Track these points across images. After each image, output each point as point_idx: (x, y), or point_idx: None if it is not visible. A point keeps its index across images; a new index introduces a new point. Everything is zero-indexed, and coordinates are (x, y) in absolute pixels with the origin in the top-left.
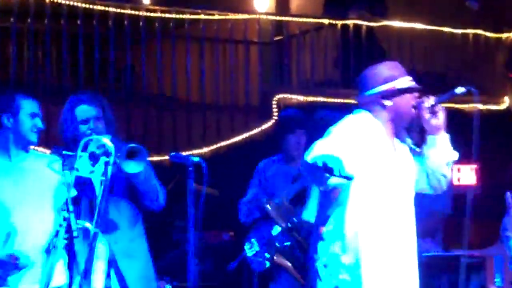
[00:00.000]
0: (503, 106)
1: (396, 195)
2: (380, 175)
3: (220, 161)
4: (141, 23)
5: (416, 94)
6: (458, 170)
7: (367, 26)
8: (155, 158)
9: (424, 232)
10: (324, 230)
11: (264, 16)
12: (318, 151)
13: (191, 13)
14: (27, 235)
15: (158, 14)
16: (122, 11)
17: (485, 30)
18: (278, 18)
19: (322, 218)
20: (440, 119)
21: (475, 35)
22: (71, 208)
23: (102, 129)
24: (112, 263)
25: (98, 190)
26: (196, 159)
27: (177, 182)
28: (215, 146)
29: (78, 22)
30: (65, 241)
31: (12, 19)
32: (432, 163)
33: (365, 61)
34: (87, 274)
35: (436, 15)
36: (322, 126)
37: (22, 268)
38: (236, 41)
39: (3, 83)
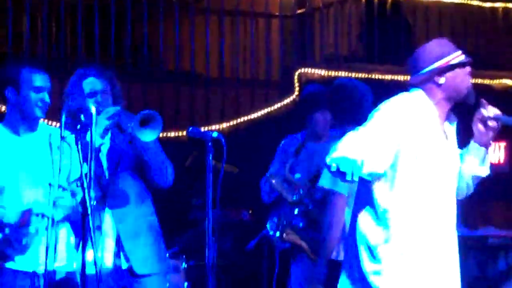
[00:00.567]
0: None
1: (442, 184)
2: (427, 162)
3: (239, 137)
4: None
5: (468, 69)
6: None
7: None
8: (172, 134)
9: None
10: (363, 217)
11: None
12: (340, 150)
13: None
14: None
15: None
16: None
17: None
18: None
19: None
20: (489, 135)
21: (504, 8)
22: (85, 183)
23: (109, 104)
24: (119, 241)
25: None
26: (215, 134)
27: (195, 158)
28: (234, 122)
29: None
30: (62, 215)
31: None
32: (465, 167)
33: (390, 36)
34: (81, 246)
35: None
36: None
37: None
38: (256, 14)
39: (17, 56)
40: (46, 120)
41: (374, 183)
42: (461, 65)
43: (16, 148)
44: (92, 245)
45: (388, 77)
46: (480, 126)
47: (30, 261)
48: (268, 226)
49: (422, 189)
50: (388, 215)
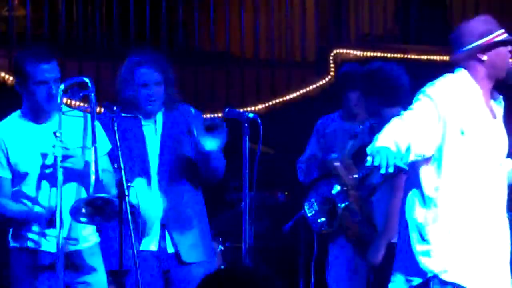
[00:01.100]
0: None
1: (490, 162)
2: (475, 140)
3: (275, 119)
4: None
5: (510, 48)
6: None
7: None
8: (208, 115)
9: None
10: (411, 200)
11: None
12: (381, 139)
13: None
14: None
15: None
16: None
17: None
18: None
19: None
20: None
21: None
22: (122, 165)
23: (161, 94)
24: (167, 226)
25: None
26: (251, 115)
27: (231, 140)
28: (270, 103)
29: None
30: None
31: None
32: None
33: (426, 15)
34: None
35: None
36: (379, 78)
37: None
38: None
39: (52, 41)
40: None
41: (421, 167)
42: (504, 43)
43: (32, 136)
44: (129, 227)
45: (424, 57)
46: None
47: (51, 241)
48: (305, 207)
49: (469, 168)
50: (436, 196)
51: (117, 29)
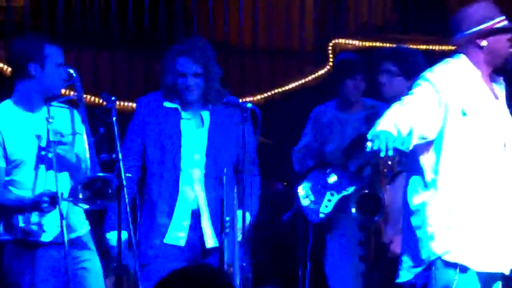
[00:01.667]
0: None
1: (497, 146)
2: (477, 120)
3: (274, 109)
4: None
5: (510, 35)
6: None
7: None
8: None
9: None
10: (412, 188)
11: None
12: (381, 124)
13: None
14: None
15: None
16: None
17: None
18: None
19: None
20: None
21: None
22: (120, 155)
23: (200, 85)
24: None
25: None
26: (250, 105)
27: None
28: (268, 93)
29: None
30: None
31: None
32: None
33: (424, 5)
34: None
35: None
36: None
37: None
38: None
39: (50, 30)
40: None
41: (421, 152)
42: (504, 30)
43: (28, 125)
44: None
45: (423, 46)
46: None
47: (52, 232)
48: (300, 197)
49: (471, 149)
50: (436, 179)
51: (115, 19)
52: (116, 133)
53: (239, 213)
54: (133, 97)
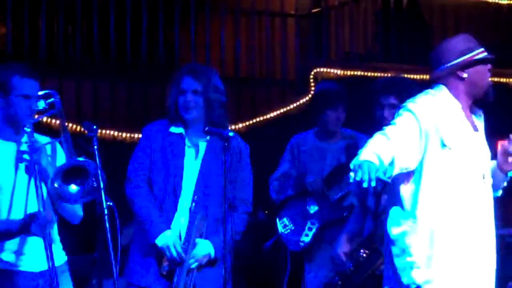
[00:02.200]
0: None
1: (473, 174)
2: (456, 152)
3: (256, 137)
4: None
5: (489, 66)
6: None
7: None
8: None
9: None
10: (392, 218)
11: None
12: (364, 153)
13: None
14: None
15: None
16: None
17: None
18: None
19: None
20: None
21: None
22: (102, 184)
23: (199, 104)
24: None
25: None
26: (231, 133)
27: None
28: (250, 122)
29: None
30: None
31: None
32: (494, 180)
33: (406, 34)
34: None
35: None
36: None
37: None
38: (272, 13)
39: (32, 58)
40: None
41: (401, 182)
42: (484, 61)
43: (7, 151)
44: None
45: (404, 76)
46: (504, 158)
47: (33, 261)
48: (279, 225)
49: (451, 180)
50: (416, 209)
51: (97, 47)
52: (98, 161)
53: (200, 241)
54: (115, 125)
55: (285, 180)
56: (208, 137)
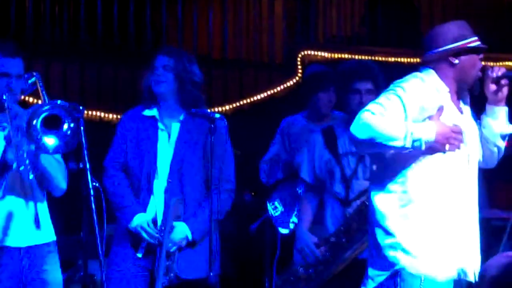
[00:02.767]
0: None
1: (461, 158)
2: None
3: (242, 119)
4: None
5: (481, 56)
6: None
7: None
8: None
9: None
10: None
11: None
12: (394, 128)
13: None
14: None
15: None
16: None
17: None
18: None
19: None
20: (504, 92)
21: None
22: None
23: (169, 79)
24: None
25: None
26: (217, 115)
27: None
28: (237, 104)
29: None
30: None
31: None
32: (488, 132)
33: (393, 17)
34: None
35: None
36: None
37: None
38: None
39: (19, 39)
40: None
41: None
42: (477, 50)
43: None
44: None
45: (391, 59)
46: (493, 86)
47: (19, 236)
48: (269, 208)
49: (435, 161)
50: (400, 190)
51: (84, 29)
52: (84, 142)
53: (177, 225)
54: (101, 106)
55: (275, 163)
56: (181, 117)
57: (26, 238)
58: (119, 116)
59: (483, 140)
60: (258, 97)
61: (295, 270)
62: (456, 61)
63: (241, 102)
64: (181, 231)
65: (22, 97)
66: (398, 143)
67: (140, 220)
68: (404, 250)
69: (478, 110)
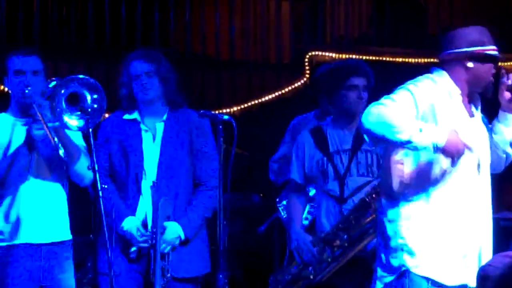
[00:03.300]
0: None
1: (471, 164)
2: None
3: (250, 120)
4: None
5: (495, 65)
6: None
7: None
8: None
9: None
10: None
11: None
12: (379, 112)
13: None
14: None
15: None
16: None
17: None
18: None
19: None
20: None
21: None
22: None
23: (155, 85)
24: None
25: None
26: (225, 117)
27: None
28: (245, 105)
29: None
30: None
31: None
32: (499, 138)
33: (401, 18)
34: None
35: None
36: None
37: None
38: None
39: (27, 41)
40: None
41: (393, 163)
42: (493, 59)
43: (21, 132)
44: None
45: (399, 59)
46: (508, 94)
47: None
48: (280, 208)
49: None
50: (407, 192)
51: (92, 31)
52: (92, 143)
53: (168, 225)
54: (110, 107)
55: (285, 162)
56: (164, 117)
57: (40, 234)
58: None
59: (493, 146)
60: (266, 98)
61: (291, 269)
62: (471, 65)
63: (249, 103)
64: (173, 230)
65: None
66: (404, 136)
67: (130, 224)
68: (412, 253)
69: (490, 115)
